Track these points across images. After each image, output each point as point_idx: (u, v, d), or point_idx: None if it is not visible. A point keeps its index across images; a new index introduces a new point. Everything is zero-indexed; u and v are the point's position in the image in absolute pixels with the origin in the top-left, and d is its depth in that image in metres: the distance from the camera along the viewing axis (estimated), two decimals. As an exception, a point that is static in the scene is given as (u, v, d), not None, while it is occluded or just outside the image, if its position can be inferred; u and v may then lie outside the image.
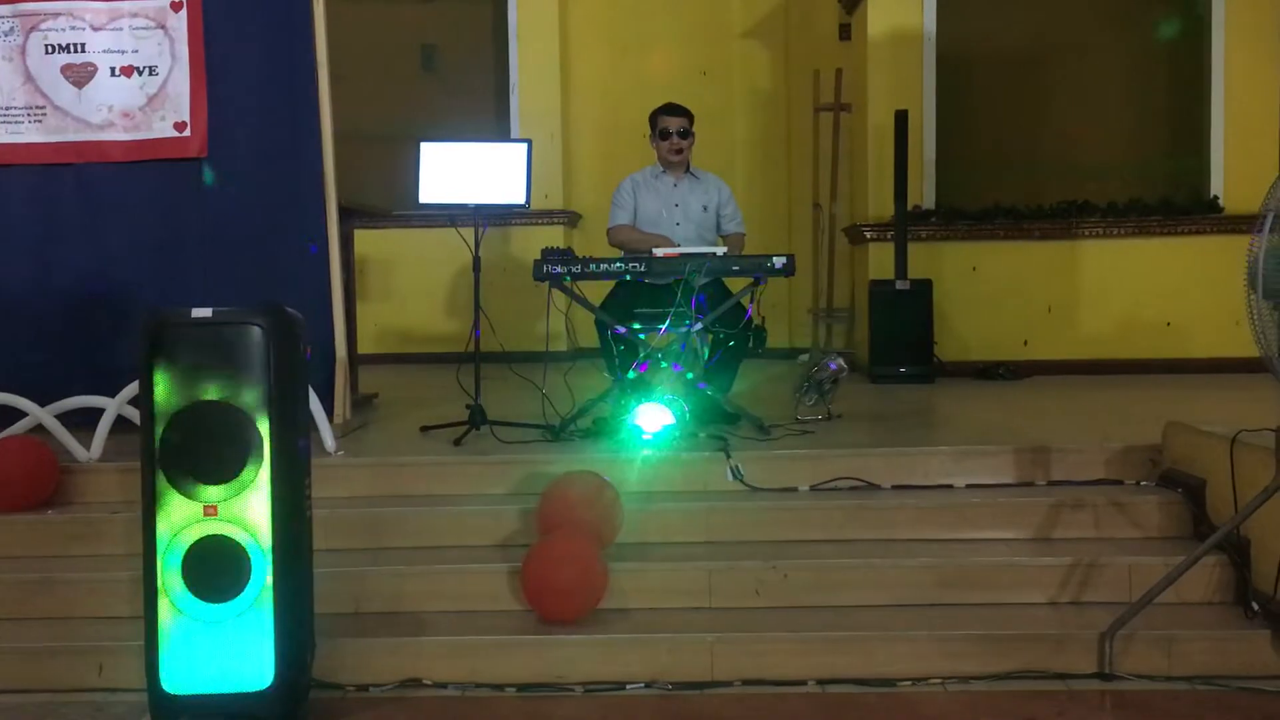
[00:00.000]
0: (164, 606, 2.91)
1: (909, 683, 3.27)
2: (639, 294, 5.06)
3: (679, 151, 5.35)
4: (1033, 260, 7.42)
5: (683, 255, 4.77)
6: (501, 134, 8.41)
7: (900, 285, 6.98)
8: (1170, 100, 7.74)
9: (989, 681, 3.27)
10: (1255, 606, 3.41)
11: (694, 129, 5.40)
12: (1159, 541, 3.82)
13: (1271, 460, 3.10)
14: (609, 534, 3.72)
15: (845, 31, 8.36)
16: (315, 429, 4.09)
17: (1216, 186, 7.41)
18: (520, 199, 4.78)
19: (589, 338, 5.24)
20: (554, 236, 8.10)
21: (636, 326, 4.91)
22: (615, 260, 4.87)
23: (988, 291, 7.41)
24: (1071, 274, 7.42)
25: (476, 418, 4.65)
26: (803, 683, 3.28)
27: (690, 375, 4.92)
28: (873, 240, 7.47)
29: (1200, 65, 7.49)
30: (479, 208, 4.77)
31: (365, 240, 6.53)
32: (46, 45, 4.94)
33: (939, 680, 3.28)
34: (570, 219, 8.50)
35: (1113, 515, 3.86)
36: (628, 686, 3.28)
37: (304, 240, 4.80)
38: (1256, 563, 3.48)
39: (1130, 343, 7.33)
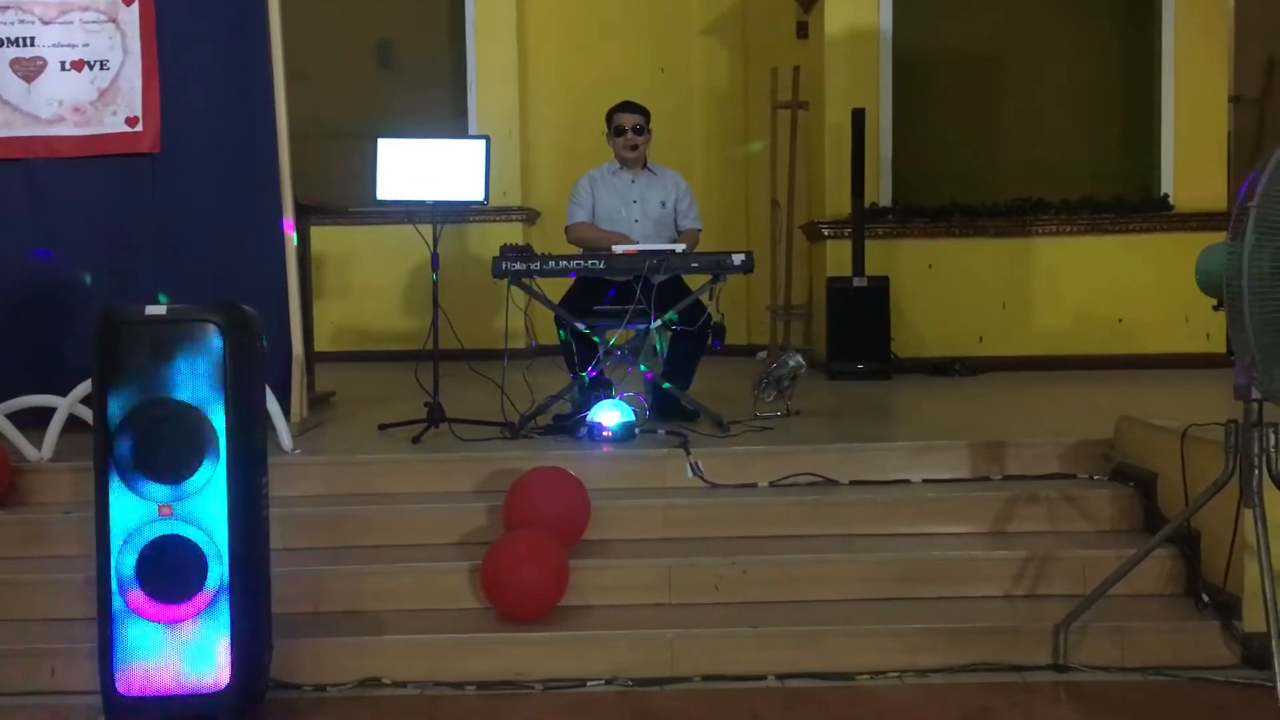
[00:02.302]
0: (118, 607, 2.88)
1: (867, 676, 3.30)
2: (598, 291, 5.05)
3: (634, 148, 5.35)
4: (988, 257, 7.49)
5: (641, 252, 4.78)
6: (459, 130, 8.37)
7: (857, 282, 7.02)
8: (1122, 99, 7.84)
9: (946, 674, 3.30)
10: (1205, 598, 3.47)
11: (650, 126, 5.41)
12: (1111, 534, 3.87)
13: (1221, 454, 3.15)
14: (576, 530, 3.72)
15: (803, 29, 8.39)
16: (272, 427, 4.05)
17: (1167, 185, 7.51)
18: (479, 196, 4.77)
19: (548, 335, 5.23)
20: (512, 233, 8.06)
21: (595, 324, 4.91)
22: (574, 257, 4.86)
23: (943, 288, 7.46)
24: (1026, 271, 7.50)
25: (435, 415, 4.63)
26: (762, 677, 3.30)
27: (649, 371, 4.94)
28: (830, 238, 7.51)
29: (1151, 64, 7.59)
30: (437, 204, 4.76)
31: (322, 237, 6.48)
32: (-6, 39, 4.87)
33: (896, 673, 3.31)
34: (529, 216, 8.48)
35: (1066, 509, 3.91)
36: (588, 683, 3.28)
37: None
38: (1206, 555, 3.54)
39: (1083, 339, 7.42)
